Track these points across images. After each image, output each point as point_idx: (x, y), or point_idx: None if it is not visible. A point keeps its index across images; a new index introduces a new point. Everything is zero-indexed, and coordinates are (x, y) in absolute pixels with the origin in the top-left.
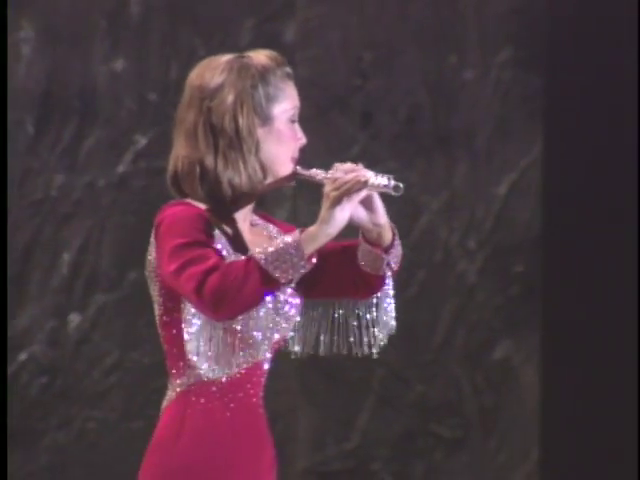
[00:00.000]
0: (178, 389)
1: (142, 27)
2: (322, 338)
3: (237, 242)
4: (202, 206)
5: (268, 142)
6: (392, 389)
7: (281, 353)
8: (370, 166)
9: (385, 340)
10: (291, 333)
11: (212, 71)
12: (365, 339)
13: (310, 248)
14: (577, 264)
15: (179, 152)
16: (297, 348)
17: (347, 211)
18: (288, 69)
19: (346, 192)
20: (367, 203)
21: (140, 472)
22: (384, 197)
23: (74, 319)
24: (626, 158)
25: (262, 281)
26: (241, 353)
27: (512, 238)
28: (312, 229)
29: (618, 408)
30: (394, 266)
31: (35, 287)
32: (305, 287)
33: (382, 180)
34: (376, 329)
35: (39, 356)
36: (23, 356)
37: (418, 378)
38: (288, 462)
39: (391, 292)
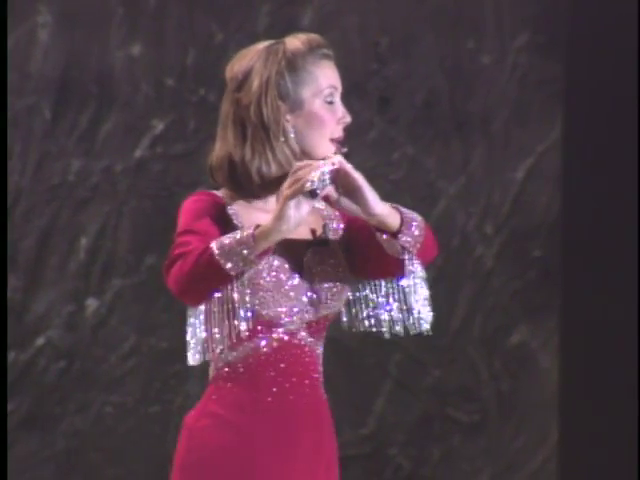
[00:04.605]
0: (211, 374)
1: (159, 12)
2: (344, 312)
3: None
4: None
5: (300, 126)
6: (409, 374)
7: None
8: (388, 151)
9: (415, 329)
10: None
11: (241, 61)
12: (388, 318)
13: (264, 244)
14: (594, 249)
15: (215, 145)
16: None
17: (303, 209)
18: (325, 50)
19: (295, 192)
20: (354, 196)
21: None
22: (404, 184)
23: (91, 304)
24: None
25: (213, 271)
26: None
27: (529, 223)
28: (266, 225)
29: (636, 392)
30: (411, 249)
31: (52, 272)
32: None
33: (325, 179)
34: (408, 312)
35: (56, 341)
36: (40, 341)
37: (435, 363)
38: None
39: (420, 276)
